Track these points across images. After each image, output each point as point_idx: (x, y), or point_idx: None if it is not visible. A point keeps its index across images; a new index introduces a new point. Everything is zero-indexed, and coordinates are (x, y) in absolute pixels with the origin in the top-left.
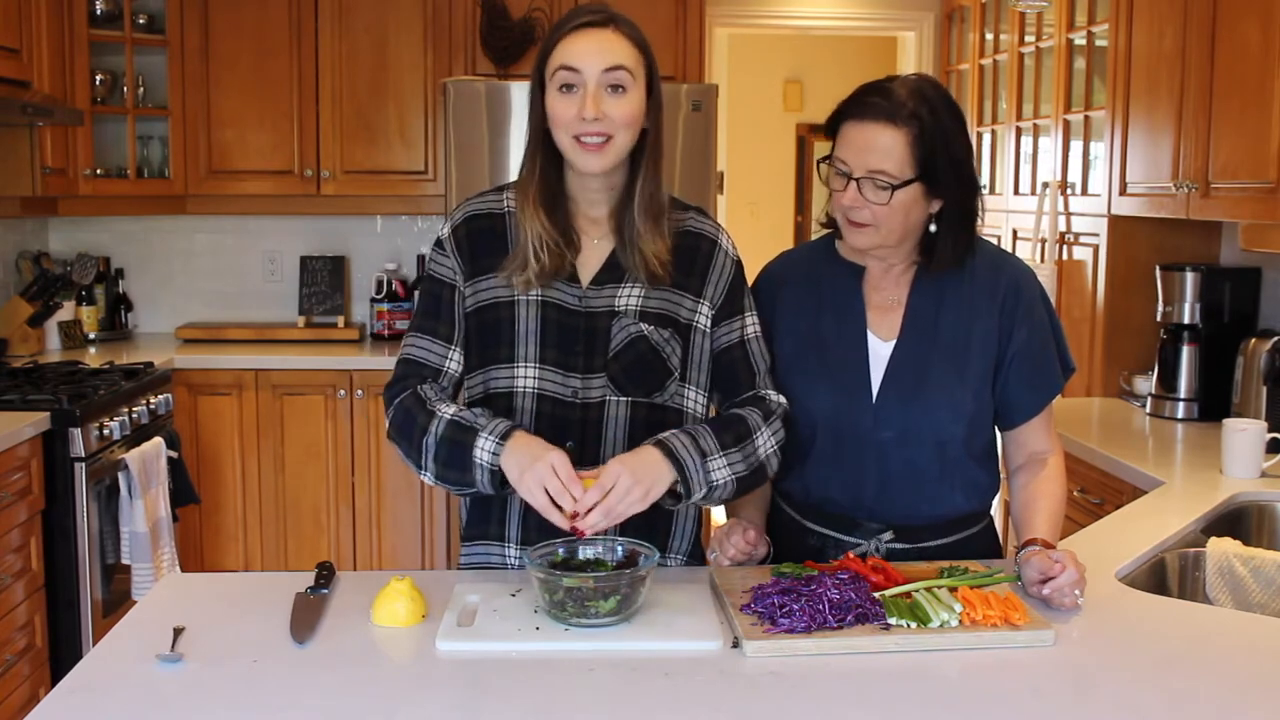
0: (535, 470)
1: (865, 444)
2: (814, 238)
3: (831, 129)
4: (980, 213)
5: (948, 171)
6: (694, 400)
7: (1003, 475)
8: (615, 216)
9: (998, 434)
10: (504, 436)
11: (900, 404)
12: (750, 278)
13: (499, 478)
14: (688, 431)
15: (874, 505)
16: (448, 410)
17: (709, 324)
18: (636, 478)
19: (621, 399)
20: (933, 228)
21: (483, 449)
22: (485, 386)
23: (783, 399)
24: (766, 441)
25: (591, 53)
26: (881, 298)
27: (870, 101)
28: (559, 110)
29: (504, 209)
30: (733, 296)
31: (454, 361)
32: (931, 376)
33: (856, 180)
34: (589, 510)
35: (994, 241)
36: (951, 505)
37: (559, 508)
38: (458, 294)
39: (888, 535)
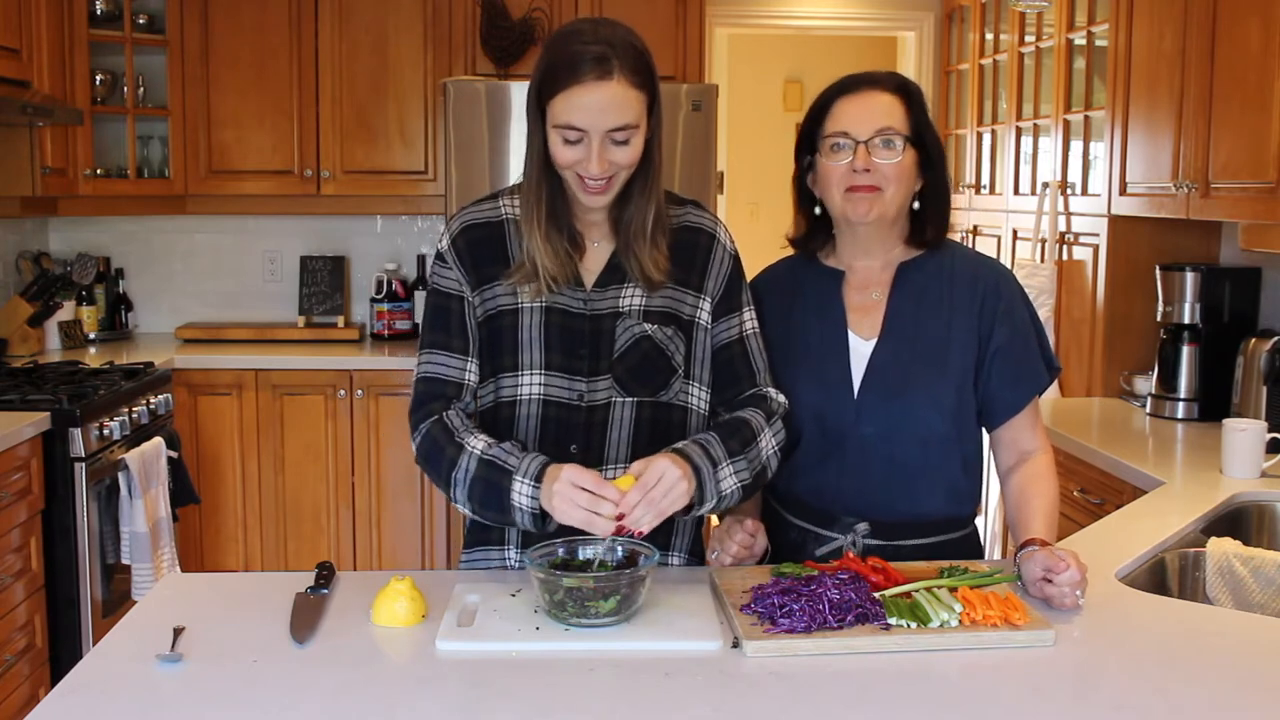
0: (558, 493)
1: (847, 440)
2: None
3: (817, 115)
4: (949, 205)
5: (934, 145)
6: (698, 397)
7: (992, 478)
8: (614, 220)
9: (984, 442)
10: (538, 477)
11: (882, 400)
12: (748, 276)
13: (541, 517)
14: (698, 441)
15: (853, 501)
16: (476, 445)
17: (710, 320)
18: (682, 472)
19: (627, 400)
20: (916, 205)
21: (520, 493)
22: (495, 396)
23: (783, 398)
24: (769, 443)
25: (596, 114)
26: (862, 298)
27: (861, 77)
28: (562, 156)
29: (501, 216)
30: (731, 292)
31: (472, 374)
32: (913, 373)
33: (864, 144)
34: (634, 507)
35: (994, 242)
36: (932, 506)
37: (593, 520)
38: (467, 305)
39: (863, 527)
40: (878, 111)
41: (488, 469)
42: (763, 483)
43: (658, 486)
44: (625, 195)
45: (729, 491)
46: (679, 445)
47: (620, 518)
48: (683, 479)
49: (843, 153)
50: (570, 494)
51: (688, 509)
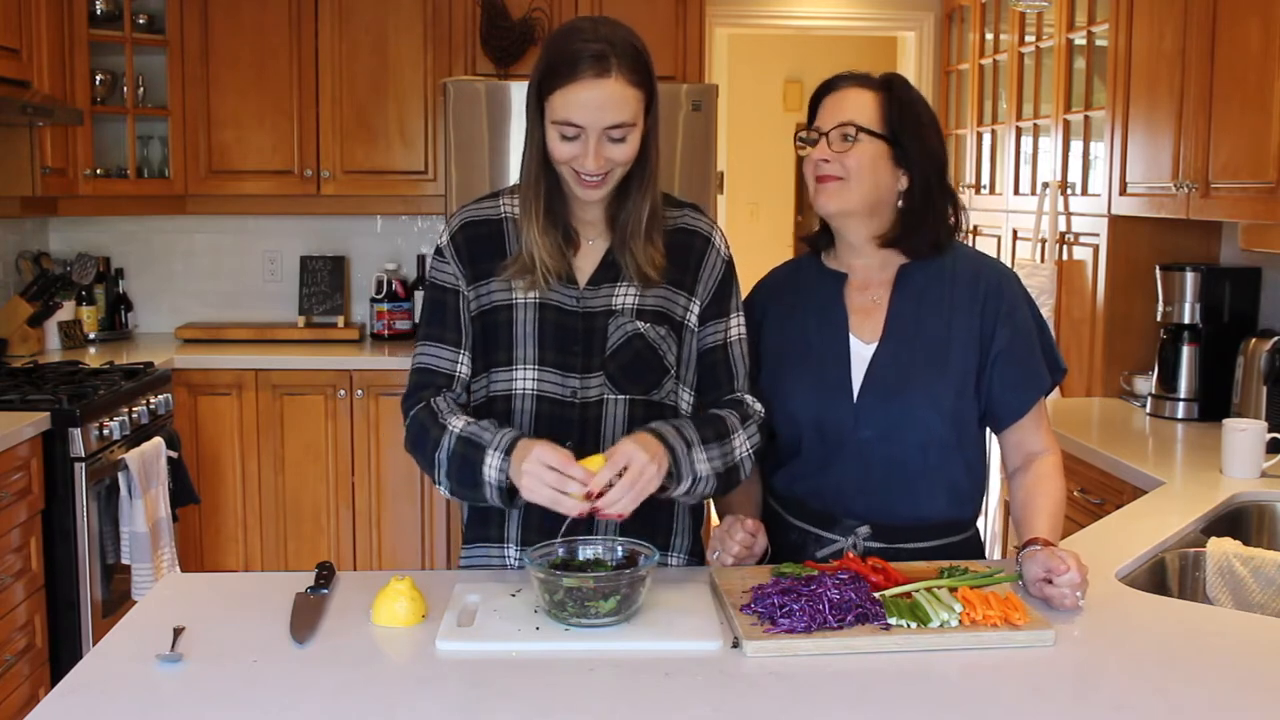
0: (527, 471)
1: (847, 443)
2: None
3: (812, 112)
4: (959, 210)
5: (915, 143)
6: (684, 399)
7: (1000, 477)
8: (610, 217)
9: (988, 444)
10: (508, 451)
11: (881, 403)
12: (746, 277)
13: (510, 492)
14: (671, 424)
15: (853, 504)
16: (457, 424)
17: (697, 323)
18: (650, 454)
19: (619, 397)
20: (900, 203)
21: (491, 466)
22: (488, 390)
23: (760, 406)
24: (743, 444)
25: (592, 110)
26: (864, 300)
27: (846, 75)
28: (559, 152)
29: (501, 215)
30: (721, 297)
31: (464, 365)
32: (912, 376)
33: (826, 135)
34: (603, 491)
35: (994, 242)
36: (933, 509)
37: (559, 499)
38: (462, 298)
39: (865, 530)
40: (846, 106)
41: (465, 445)
42: (736, 482)
43: (631, 468)
44: (622, 193)
45: (704, 474)
46: (654, 425)
47: (588, 496)
48: (651, 462)
49: (812, 145)
50: (538, 472)
51: (662, 488)
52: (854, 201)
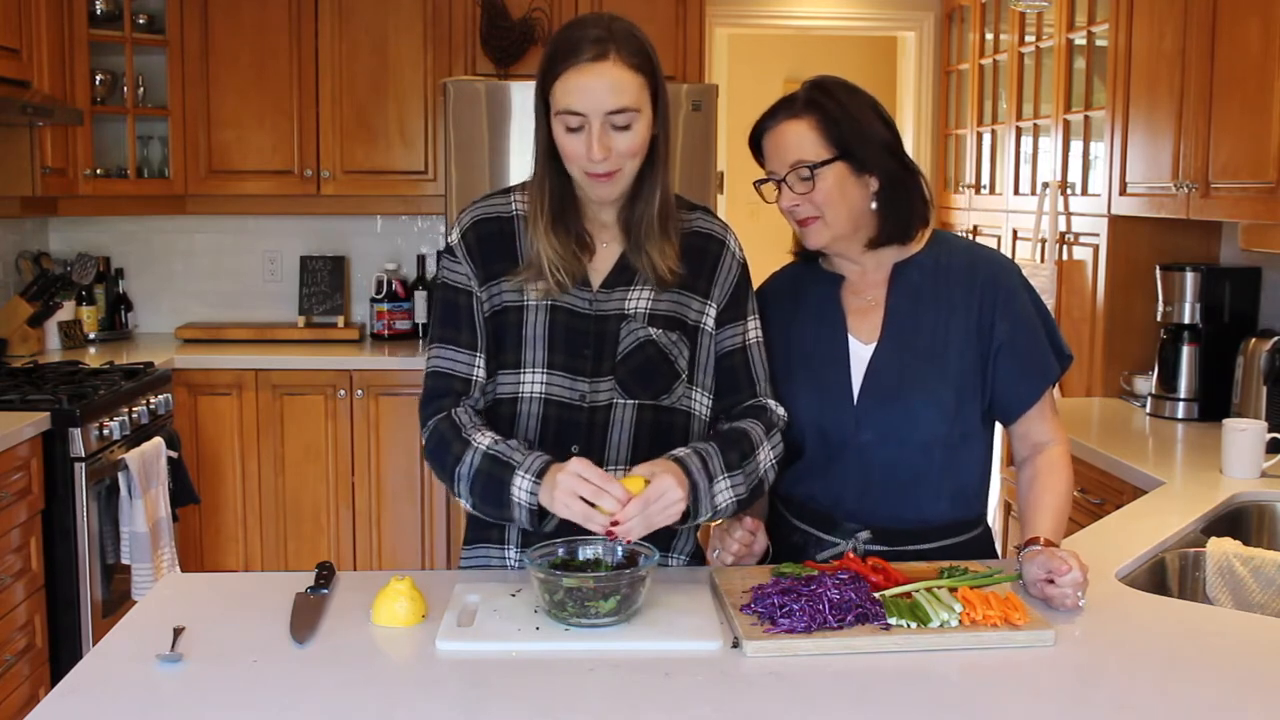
0: (562, 484)
1: (848, 447)
2: None
3: (756, 153)
4: (925, 191)
5: (865, 146)
6: (700, 403)
7: (1000, 476)
8: (624, 220)
9: (992, 441)
10: (540, 474)
11: (880, 405)
12: (752, 279)
13: (539, 514)
14: (700, 453)
15: (854, 507)
16: (483, 441)
17: (714, 326)
18: (682, 493)
19: (629, 402)
20: (875, 205)
21: (520, 487)
22: (494, 392)
23: (782, 411)
24: (767, 457)
25: (593, 95)
26: (861, 301)
27: (772, 110)
28: (566, 147)
29: (512, 212)
30: (737, 300)
31: (480, 368)
32: (911, 376)
33: (783, 181)
34: (630, 518)
35: (994, 242)
36: (937, 511)
37: (592, 515)
38: (475, 299)
39: (865, 535)
40: (788, 145)
41: (491, 464)
42: (759, 496)
43: (657, 502)
44: (634, 194)
45: (724, 505)
46: (681, 454)
47: (614, 523)
48: (681, 501)
49: (773, 190)
50: (575, 485)
51: (681, 520)
52: (839, 229)
